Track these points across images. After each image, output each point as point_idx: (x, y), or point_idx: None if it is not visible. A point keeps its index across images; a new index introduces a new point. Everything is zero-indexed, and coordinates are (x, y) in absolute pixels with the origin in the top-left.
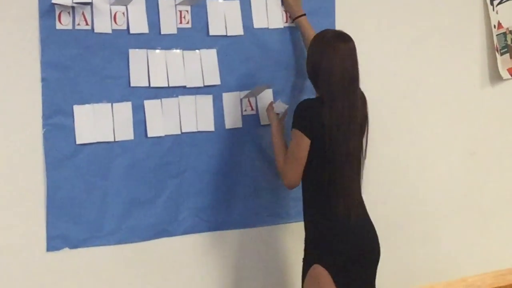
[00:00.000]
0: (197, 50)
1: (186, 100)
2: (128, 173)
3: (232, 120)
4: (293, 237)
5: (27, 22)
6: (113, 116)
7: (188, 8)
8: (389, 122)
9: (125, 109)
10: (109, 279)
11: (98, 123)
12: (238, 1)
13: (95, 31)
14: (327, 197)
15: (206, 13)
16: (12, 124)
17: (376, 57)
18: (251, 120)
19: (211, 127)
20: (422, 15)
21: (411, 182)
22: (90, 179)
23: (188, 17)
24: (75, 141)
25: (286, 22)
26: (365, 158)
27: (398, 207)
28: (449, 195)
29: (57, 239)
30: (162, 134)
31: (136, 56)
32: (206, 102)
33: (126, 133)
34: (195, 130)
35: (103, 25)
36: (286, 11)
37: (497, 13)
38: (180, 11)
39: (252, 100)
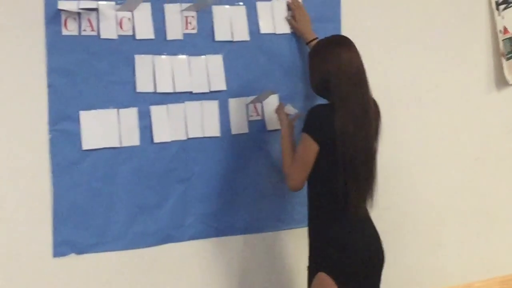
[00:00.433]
0: (203, 56)
1: (192, 106)
2: (134, 179)
3: (238, 125)
4: (298, 243)
5: (33, 28)
6: (119, 121)
7: (194, 13)
8: (394, 127)
9: (131, 114)
10: (115, 284)
11: (104, 129)
12: (244, 7)
13: (101, 37)
14: (334, 203)
15: (212, 18)
16: (19, 130)
17: (381, 62)
18: (257, 126)
19: (217, 133)
20: (428, 21)
21: (416, 187)
22: (96, 185)
23: (194, 22)
24: (81, 147)
25: (292, 27)
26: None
27: (403, 212)
28: (454, 200)
29: (63, 245)
30: (168, 140)
31: (142, 62)
32: (212, 107)
33: (132, 138)
34: (201, 135)
35: (109, 31)
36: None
37: (503, 18)
38: (186, 17)
39: (258, 105)
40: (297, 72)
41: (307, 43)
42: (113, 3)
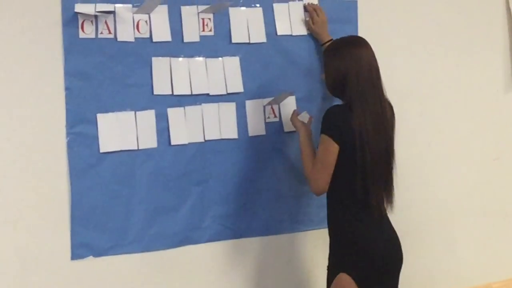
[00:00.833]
0: (220, 58)
1: (209, 108)
2: (152, 181)
3: (255, 127)
4: (315, 244)
5: (50, 31)
6: (136, 124)
7: (211, 15)
8: (410, 127)
9: (148, 117)
10: (133, 287)
11: (122, 131)
12: (261, 8)
13: (118, 39)
14: (355, 203)
15: (229, 20)
16: (36, 133)
17: (398, 62)
18: (274, 127)
19: (234, 135)
20: (444, 21)
21: (434, 187)
22: (114, 187)
23: (211, 24)
24: (98, 150)
25: (309, 29)
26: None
27: (421, 212)
28: (472, 200)
29: (81, 248)
30: (186, 142)
31: (159, 64)
32: (229, 109)
33: (150, 141)
34: (218, 137)
35: (126, 34)
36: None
37: None
38: (203, 19)
39: (275, 107)
40: (314, 73)
41: (322, 45)
42: (130, 5)
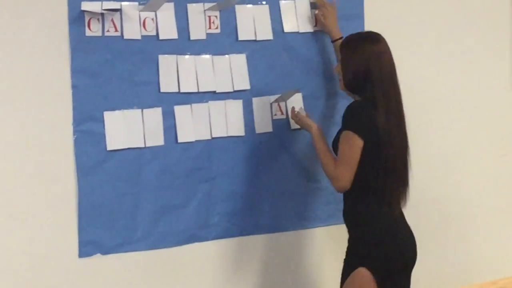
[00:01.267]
0: (226, 55)
1: (216, 105)
2: (159, 179)
3: (262, 124)
4: (322, 241)
5: (56, 29)
6: (143, 122)
7: (217, 13)
8: (418, 124)
9: (155, 115)
10: (141, 284)
11: (129, 129)
12: (267, 6)
13: (125, 37)
14: (377, 199)
15: (235, 18)
16: (43, 131)
17: (406, 59)
18: (281, 125)
19: (241, 132)
20: (451, 17)
21: (442, 184)
22: (121, 185)
23: (217, 22)
24: (105, 147)
25: (316, 26)
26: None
27: (430, 209)
28: (479, 196)
29: (89, 245)
30: (193, 140)
31: (166, 62)
32: (236, 107)
33: (157, 139)
34: (225, 135)
35: (132, 32)
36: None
37: None
38: (209, 17)
39: (282, 104)
40: (321, 71)
41: (333, 41)
42: (136, 3)
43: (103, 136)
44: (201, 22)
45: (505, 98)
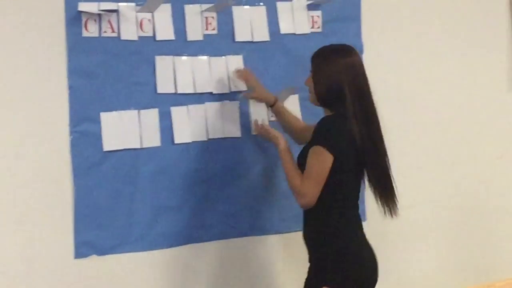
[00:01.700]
0: (223, 56)
1: (213, 106)
2: (155, 180)
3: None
4: None
5: (53, 30)
6: (140, 123)
7: (214, 14)
8: (415, 126)
9: (152, 115)
10: (137, 286)
11: (125, 130)
12: (264, 7)
13: (121, 38)
14: (344, 216)
15: (232, 19)
16: (40, 131)
17: (402, 61)
18: (277, 126)
19: (237, 133)
20: (448, 20)
21: (438, 187)
22: (117, 186)
23: (214, 23)
24: (102, 148)
25: (313, 27)
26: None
27: (426, 211)
28: (475, 199)
29: (85, 246)
30: (189, 141)
31: (163, 63)
32: (232, 108)
33: (153, 139)
34: (222, 136)
35: (129, 32)
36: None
37: None
38: (206, 18)
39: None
40: None
41: (272, 106)
42: (133, 4)
43: (99, 137)
44: (198, 23)
45: (501, 100)
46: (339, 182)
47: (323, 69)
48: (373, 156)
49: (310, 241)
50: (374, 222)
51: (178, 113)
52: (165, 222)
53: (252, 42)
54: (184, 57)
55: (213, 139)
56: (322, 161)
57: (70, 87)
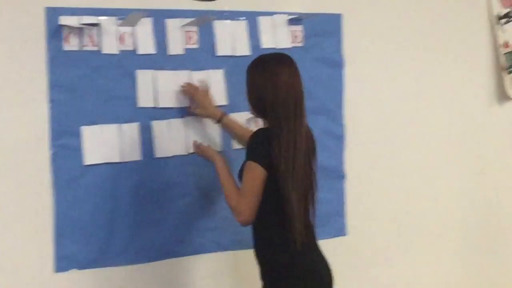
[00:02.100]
0: (204, 71)
1: (193, 121)
2: (135, 194)
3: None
4: None
5: (34, 44)
6: (120, 137)
7: (196, 28)
8: (395, 140)
9: (132, 130)
10: None
11: (106, 144)
12: (246, 22)
13: (103, 52)
14: (285, 230)
15: (214, 33)
16: (21, 145)
17: (382, 76)
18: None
19: (218, 148)
20: (428, 35)
21: (417, 199)
22: (98, 200)
23: (196, 37)
24: (82, 162)
25: (293, 42)
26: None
27: (405, 224)
28: (454, 213)
29: (65, 260)
30: (170, 155)
31: (144, 77)
32: (212, 122)
33: (134, 154)
34: None
35: (110, 46)
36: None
37: (503, 32)
38: (188, 32)
39: (259, 120)
40: None
41: (218, 121)
42: (114, 18)
43: (80, 150)
44: (179, 38)
45: (482, 114)
46: (276, 196)
47: (250, 77)
48: (289, 177)
49: (258, 257)
50: (353, 238)
51: (158, 127)
52: (145, 236)
53: (233, 56)
54: (165, 71)
55: (194, 153)
56: (255, 177)
57: (51, 101)
